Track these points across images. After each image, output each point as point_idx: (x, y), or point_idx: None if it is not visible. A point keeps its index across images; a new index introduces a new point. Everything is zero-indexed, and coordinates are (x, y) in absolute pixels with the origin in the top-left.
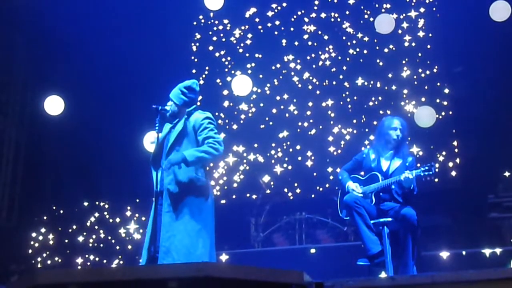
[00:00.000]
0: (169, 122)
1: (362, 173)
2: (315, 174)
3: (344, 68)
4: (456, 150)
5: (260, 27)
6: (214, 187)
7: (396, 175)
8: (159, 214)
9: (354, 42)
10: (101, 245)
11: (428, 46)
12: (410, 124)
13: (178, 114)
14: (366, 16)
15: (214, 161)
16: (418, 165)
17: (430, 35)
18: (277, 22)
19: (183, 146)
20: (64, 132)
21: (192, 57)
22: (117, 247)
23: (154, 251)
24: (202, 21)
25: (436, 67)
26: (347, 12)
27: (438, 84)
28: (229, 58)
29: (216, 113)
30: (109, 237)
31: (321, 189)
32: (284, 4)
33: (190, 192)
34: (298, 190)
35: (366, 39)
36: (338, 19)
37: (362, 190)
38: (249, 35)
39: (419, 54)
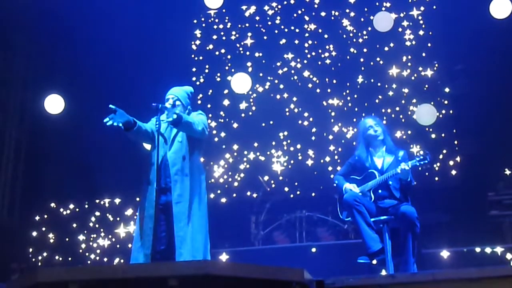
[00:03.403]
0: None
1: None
2: (315, 172)
3: (345, 66)
4: (456, 148)
5: (260, 25)
6: (214, 186)
7: (391, 170)
8: (161, 211)
9: (354, 40)
10: (102, 243)
11: (429, 44)
12: (412, 122)
13: None
14: (366, 15)
15: (197, 135)
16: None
17: (431, 33)
18: (277, 21)
19: (183, 139)
20: (65, 131)
21: (192, 55)
22: (118, 246)
23: (154, 251)
24: (202, 19)
25: (436, 65)
26: (347, 10)
27: (439, 82)
28: (229, 57)
29: (216, 112)
30: (110, 236)
31: (321, 187)
32: (285, 2)
33: (195, 182)
34: (298, 188)
35: (366, 37)
36: (339, 18)
37: (359, 189)
38: (249, 34)
39: (420, 53)
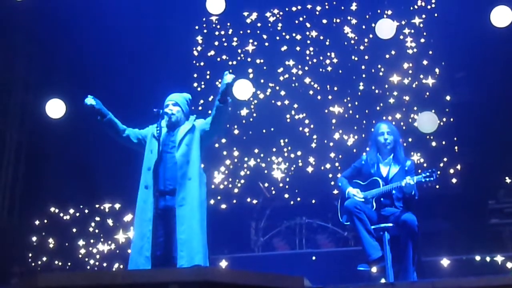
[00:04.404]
0: (168, 127)
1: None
2: (316, 179)
3: (346, 73)
4: (457, 156)
5: (261, 32)
6: (214, 192)
7: (396, 180)
8: (159, 216)
9: (355, 47)
10: (101, 248)
11: (430, 52)
12: (412, 130)
13: (180, 121)
14: (368, 22)
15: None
16: (420, 170)
17: (432, 41)
18: (279, 27)
19: (189, 143)
20: (66, 135)
21: (194, 61)
22: (117, 251)
23: (154, 255)
24: (204, 25)
25: (437, 73)
26: (349, 18)
27: (440, 90)
28: (230, 63)
29: None
30: (109, 241)
31: (321, 194)
32: (286, 9)
33: (197, 186)
34: (298, 195)
35: (367, 44)
36: (340, 25)
37: (363, 195)
38: (251, 40)
39: (421, 60)
